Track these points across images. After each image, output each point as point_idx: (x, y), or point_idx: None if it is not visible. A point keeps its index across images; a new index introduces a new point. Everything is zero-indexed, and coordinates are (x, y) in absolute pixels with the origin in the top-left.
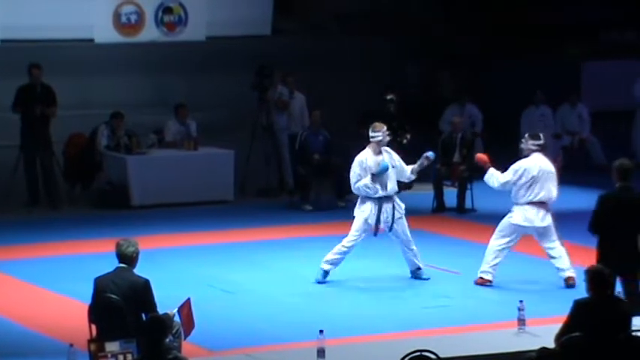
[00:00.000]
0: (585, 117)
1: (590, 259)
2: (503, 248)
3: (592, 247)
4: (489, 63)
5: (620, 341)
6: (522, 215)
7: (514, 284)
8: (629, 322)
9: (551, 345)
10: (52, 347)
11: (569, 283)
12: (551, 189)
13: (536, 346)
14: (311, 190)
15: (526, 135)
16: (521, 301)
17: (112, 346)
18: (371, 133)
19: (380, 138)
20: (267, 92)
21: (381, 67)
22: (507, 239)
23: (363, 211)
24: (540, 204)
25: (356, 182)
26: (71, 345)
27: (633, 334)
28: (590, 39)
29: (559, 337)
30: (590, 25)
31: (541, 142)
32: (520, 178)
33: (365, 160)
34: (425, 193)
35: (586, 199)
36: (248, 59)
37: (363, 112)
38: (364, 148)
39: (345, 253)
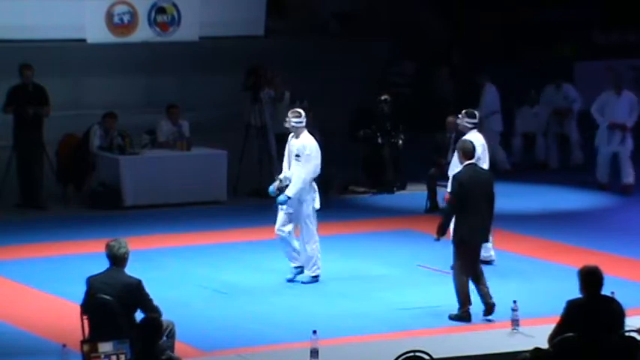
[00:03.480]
0: (573, 95)
1: (583, 259)
2: None
3: (584, 247)
4: (483, 62)
5: (613, 341)
6: None
7: (508, 285)
8: (622, 322)
9: (545, 345)
10: (45, 348)
11: None
12: (484, 165)
13: (529, 347)
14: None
15: (463, 112)
16: (514, 302)
17: (105, 347)
18: (292, 119)
19: (299, 124)
20: (259, 93)
21: (375, 68)
22: None
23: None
24: None
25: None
26: (64, 345)
27: (626, 334)
28: (582, 39)
29: (552, 338)
30: (582, 24)
31: (476, 120)
32: None
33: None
34: (418, 193)
35: (577, 199)
36: (241, 60)
37: (356, 111)
38: (357, 147)
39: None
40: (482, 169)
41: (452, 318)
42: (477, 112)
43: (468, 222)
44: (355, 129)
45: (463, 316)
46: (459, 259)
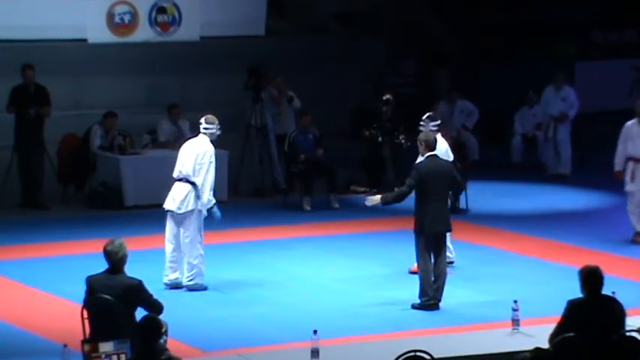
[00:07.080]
0: (572, 99)
1: (583, 259)
2: None
3: (584, 247)
4: (482, 62)
5: (614, 341)
6: None
7: (508, 284)
8: (622, 322)
9: (546, 345)
10: (46, 348)
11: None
12: None
13: (530, 346)
14: (312, 189)
15: (424, 118)
16: (515, 302)
17: (105, 347)
18: (205, 125)
19: (213, 131)
20: (261, 93)
21: (375, 68)
22: None
23: None
24: None
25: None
26: (65, 345)
27: (627, 334)
28: (582, 38)
29: (553, 338)
30: (582, 24)
31: (439, 122)
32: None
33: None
34: None
35: (585, 199)
36: (241, 60)
37: (358, 111)
38: (358, 147)
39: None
40: (444, 160)
41: (415, 307)
42: (437, 115)
43: (430, 212)
44: (358, 128)
45: (426, 305)
46: (421, 249)
